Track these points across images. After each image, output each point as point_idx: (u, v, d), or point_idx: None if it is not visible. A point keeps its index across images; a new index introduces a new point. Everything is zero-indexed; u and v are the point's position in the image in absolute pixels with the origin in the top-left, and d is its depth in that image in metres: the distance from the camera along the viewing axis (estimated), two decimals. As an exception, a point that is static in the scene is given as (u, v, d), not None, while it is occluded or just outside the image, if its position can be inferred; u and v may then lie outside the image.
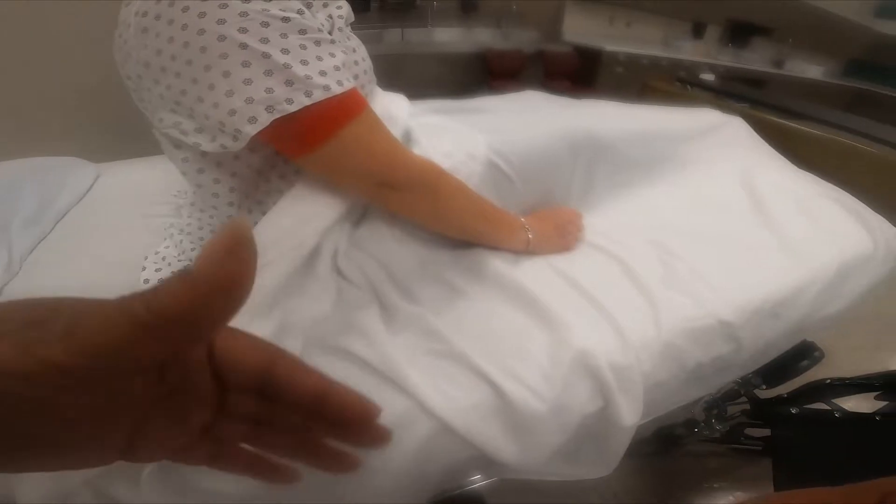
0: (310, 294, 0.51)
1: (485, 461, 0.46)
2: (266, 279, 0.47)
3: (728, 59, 4.00)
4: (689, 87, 1.73)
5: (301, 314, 0.49)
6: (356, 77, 0.53)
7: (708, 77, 3.61)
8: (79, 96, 1.31)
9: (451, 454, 0.45)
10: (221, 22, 0.40)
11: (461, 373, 0.46)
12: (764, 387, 0.77)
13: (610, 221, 0.69)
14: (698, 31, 3.98)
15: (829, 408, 0.73)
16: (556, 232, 0.62)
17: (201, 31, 0.40)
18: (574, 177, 0.69)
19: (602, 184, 0.72)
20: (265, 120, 0.41)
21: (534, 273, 0.58)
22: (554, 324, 0.50)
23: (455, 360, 0.47)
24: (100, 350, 0.13)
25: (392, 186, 0.50)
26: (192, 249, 0.61)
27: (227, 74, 0.41)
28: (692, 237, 0.65)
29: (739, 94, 1.50)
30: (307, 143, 0.46)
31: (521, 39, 3.28)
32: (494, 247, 0.60)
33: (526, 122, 0.69)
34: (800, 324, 0.65)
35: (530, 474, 0.52)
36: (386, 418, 0.43)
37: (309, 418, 0.20)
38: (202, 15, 0.40)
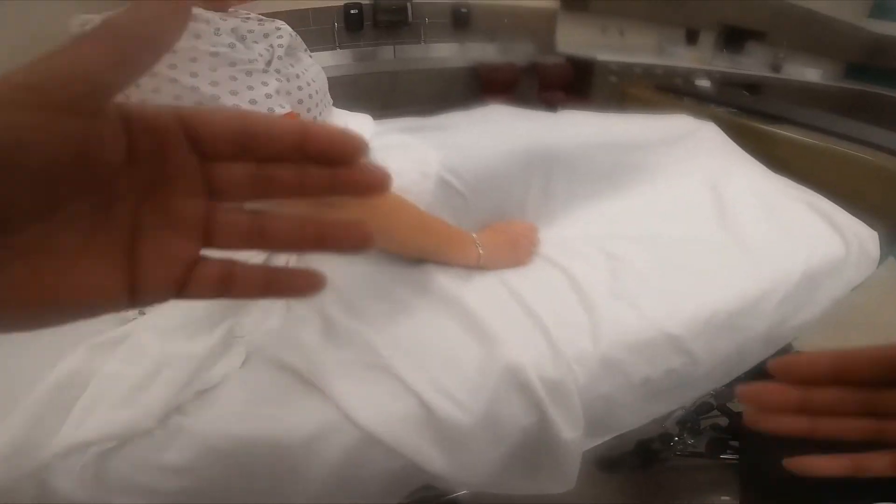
0: (260, 308, 0.52)
1: (423, 472, 0.46)
2: None
3: (723, 64, 4.00)
4: (682, 95, 1.72)
5: (250, 328, 0.51)
6: (300, 101, 0.54)
7: (703, 83, 3.61)
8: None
9: (381, 463, 0.45)
10: None
11: (390, 385, 0.47)
12: (736, 399, 0.75)
13: (567, 233, 0.69)
14: (692, 37, 4.00)
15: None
16: (508, 246, 0.62)
17: None
18: (530, 190, 0.69)
19: (561, 196, 0.72)
20: None
21: (481, 288, 0.58)
22: (487, 338, 0.51)
23: (385, 373, 0.48)
24: (58, 66, 0.14)
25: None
26: None
27: None
28: (649, 247, 0.65)
29: (724, 99, 1.49)
30: None
31: (516, 52, 3.31)
32: (444, 262, 0.60)
33: (482, 138, 0.70)
34: (768, 333, 0.63)
35: (487, 487, 0.52)
36: (309, 427, 0.44)
37: (299, 169, 0.18)
38: None
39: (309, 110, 0.56)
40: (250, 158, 0.18)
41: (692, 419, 0.74)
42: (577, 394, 0.50)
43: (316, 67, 0.64)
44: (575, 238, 0.68)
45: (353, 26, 2.74)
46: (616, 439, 0.63)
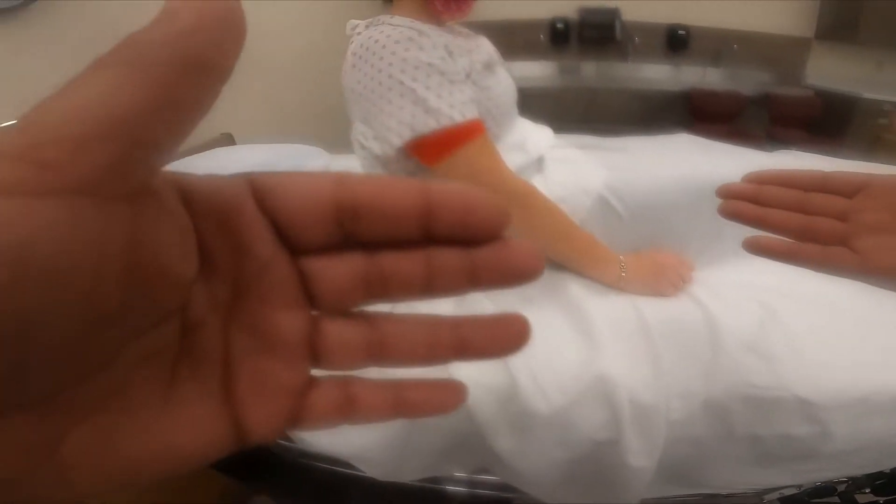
0: None
1: (486, 446, 0.50)
2: None
3: None
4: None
5: None
6: (488, 111, 0.64)
7: None
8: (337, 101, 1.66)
9: (453, 420, 0.50)
10: (391, 65, 0.56)
11: None
12: (868, 490, 0.60)
13: (725, 277, 0.64)
14: None
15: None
16: (651, 274, 0.61)
17: (380, 71, 0.57)
18: (695, 225, 0.66)
19: (731, 239, 0.66)
20: (407, 136, 0.57)
21: (611, 305, 0.59)
22: (594, 346, 0.52)
23: None
24: (67, 117, 0.09)
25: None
26: None
27: (390, 102, 0.57)
28: (816, 310, 0.57)
29: None
30: (434, 156, 0.59)
31: (743, 81, 2.89)
32: (583, 273, 0.62)
33: (655, 164, 0.70)
34: None
35: (542, 492, 0.53)
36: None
37: (423, 255, 0.13)
38: (381, 59, 0.57)
39: (494, 119, 0.65)
40: (355, 244, 0.13)
41: (801, 500, 0.60)
42: (666, 427, 0.49)
43: (508, 81, 0.72)
44: (733, 284, 0.62)
45: (558, 40, 2.79)
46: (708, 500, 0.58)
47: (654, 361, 0.51)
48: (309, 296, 0.14)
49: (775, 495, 0.60)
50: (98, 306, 0.09)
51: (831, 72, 2.93)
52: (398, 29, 0.58)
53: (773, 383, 0.50)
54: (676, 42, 2.83)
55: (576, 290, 0.60)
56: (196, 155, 1.30)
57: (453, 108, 0.56)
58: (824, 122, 2.72)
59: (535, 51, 2.82)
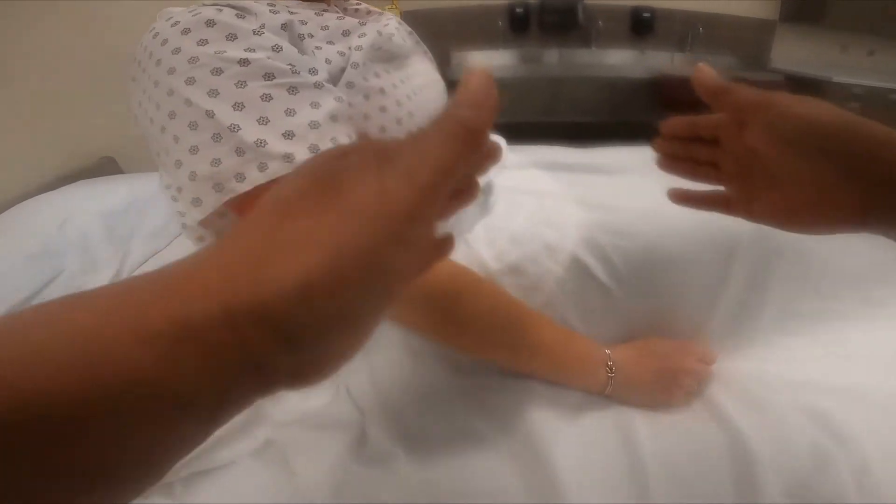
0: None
1: None
2: None
3: None
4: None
5: (290, 406, 0.40)
6: (382, 127, 0.39)
7: None
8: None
9: None
10: (172, 72, 0.31)
11: None
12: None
13: (758, 370, 0.43)
14: None
15: None
16: (655, 379, 0.41)
17: (156, 84, 0.32)
18: (723, 295, 0.44)
19: (775, 310, 0.45)
20: (212, 203, 0.31)
21: (587, 432, 0.39)
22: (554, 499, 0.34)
23: None
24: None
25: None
26: None
27: (176, 139, 0.31)
28: (885, 413, 0.39)
29: None
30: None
31: (712, 65, 2.77)
32: (553, 380, 0.42)
33: (659, 199, 0.43)
34: None
35: None
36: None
37: None
38: (159, 64, 0.32)
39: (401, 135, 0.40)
40: None
41: None
42: None
43: (427, 78, 0.48)
44: (772, 383, 0.42)
45: (517, 26, 2.65)
46: None
47: None
48: None
49: None
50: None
51: (796, 55, 2.89)
52: (200, 11, 0.33)
53: None
54: (641, 26, 2.71)
55: (536, 416, 0.39)
56: (76, 183, 1.14)
57: (293, 137, 0.31)
58: (795, 107, 2.67)
59: (493, 38, 2.68)
